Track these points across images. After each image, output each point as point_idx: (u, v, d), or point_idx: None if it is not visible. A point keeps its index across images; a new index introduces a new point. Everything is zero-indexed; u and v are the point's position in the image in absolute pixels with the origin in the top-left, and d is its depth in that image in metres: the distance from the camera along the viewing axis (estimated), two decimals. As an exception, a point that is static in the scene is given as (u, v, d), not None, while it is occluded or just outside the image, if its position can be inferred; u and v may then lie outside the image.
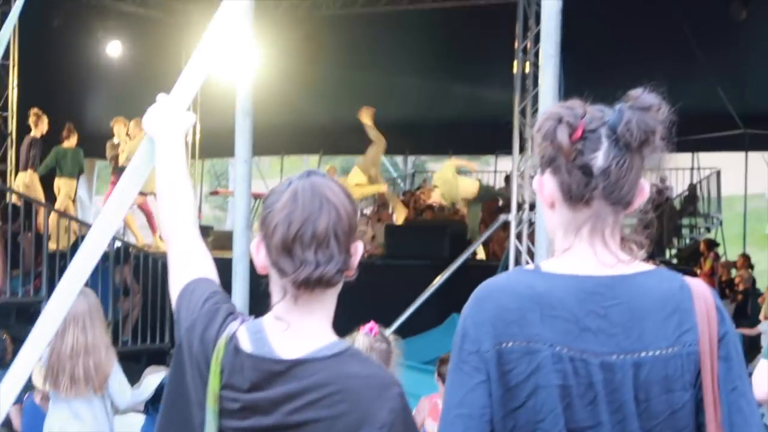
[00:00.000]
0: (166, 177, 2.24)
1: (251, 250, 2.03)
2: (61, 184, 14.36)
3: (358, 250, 2.03)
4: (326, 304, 2.02)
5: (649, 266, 2.01)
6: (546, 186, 2.03)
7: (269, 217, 1.99)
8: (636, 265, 2.01)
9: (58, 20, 16.38)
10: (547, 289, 1.96)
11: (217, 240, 15.34)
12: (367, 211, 19.55)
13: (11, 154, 15.77)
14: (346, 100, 20.62)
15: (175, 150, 2.26)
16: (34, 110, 13.86)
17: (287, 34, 18.06)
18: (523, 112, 10.93)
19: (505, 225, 11.55)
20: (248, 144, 4.15)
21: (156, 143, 2.29)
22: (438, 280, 11.58)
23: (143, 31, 17.67)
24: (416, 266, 12.44)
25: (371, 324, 4.31)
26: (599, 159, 1.96)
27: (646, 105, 1.97)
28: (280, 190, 2.02)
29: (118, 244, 11.78)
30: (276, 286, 2.02)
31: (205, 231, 17.74)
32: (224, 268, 4.65)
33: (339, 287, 2.04)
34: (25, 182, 13.87)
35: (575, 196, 1.98)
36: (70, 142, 14.34)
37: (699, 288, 1.99)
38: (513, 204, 11.17)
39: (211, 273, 2.18)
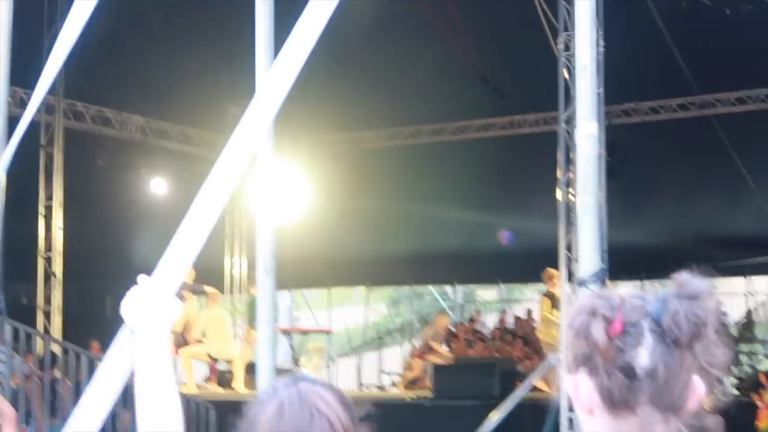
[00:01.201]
0: (145, 380, 1.92)
1: None
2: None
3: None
4: None
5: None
6: (582, 389, 1.73)
7: None
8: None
9: (102, 159, 16.49)
10: None
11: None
12: (416, 343, 19.15)
13: (58, 296, 15.61)
14: (391, 231, 20.52)
15: (157, 347, 1.92)
16: None
17: (332, 168, 18.08)
18: (569, 248, 10.48)
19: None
20: (270, 305, 3.87)
21: (135, 337, 1.94)
22: (491, 420, 11.09)
23: (187, 168, 17.72)
24: (465, 407, 12.06)
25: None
26: (643, 358, 1.66)
27: (694, 293, 1.68)
28: (263, 399, 1.74)
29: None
30: None
31: (251, 368, 17.43)
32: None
33: None
34: None
35: (617, 402, 1.68)
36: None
37: None
38: (562, 343, 10.68)
39: None
